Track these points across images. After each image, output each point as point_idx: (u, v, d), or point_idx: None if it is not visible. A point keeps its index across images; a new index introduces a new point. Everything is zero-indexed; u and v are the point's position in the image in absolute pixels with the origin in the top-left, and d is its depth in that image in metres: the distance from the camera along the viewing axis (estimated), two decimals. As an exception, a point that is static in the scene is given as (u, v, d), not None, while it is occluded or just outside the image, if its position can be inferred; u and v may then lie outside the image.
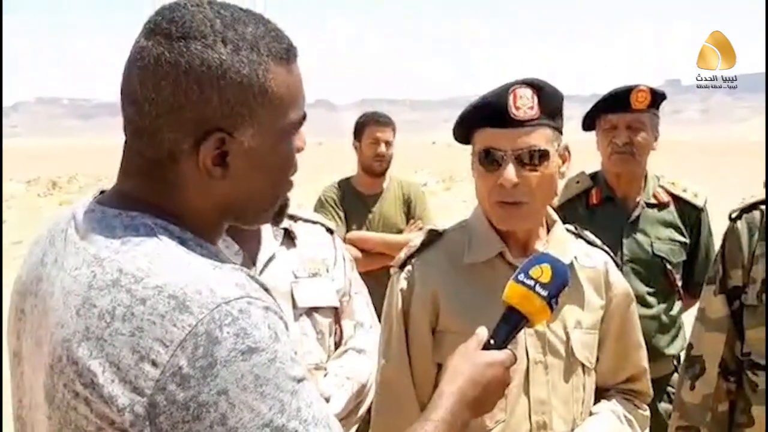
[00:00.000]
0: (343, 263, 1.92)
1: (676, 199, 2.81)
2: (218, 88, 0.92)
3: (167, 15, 0.94)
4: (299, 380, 0.89)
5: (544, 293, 1.21)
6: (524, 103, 1.52)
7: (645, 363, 1.75)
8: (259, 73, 0.94)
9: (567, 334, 1.60)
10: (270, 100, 0.95)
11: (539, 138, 1.53)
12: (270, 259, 1.77)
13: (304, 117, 1.02)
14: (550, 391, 1.58)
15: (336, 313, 1.86)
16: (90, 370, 0.86)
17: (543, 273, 1.22)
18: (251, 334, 0.85)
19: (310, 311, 1.78)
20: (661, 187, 2.82)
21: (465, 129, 1.62)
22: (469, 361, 1.16)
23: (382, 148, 3.54)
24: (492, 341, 1.20)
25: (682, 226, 2.79)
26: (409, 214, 3.61)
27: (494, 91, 1.55)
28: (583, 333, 1.63)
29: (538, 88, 1.55)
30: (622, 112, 2.70)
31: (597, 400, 1.69)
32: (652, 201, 2.79)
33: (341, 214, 3.52)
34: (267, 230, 1.79)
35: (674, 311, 2.80)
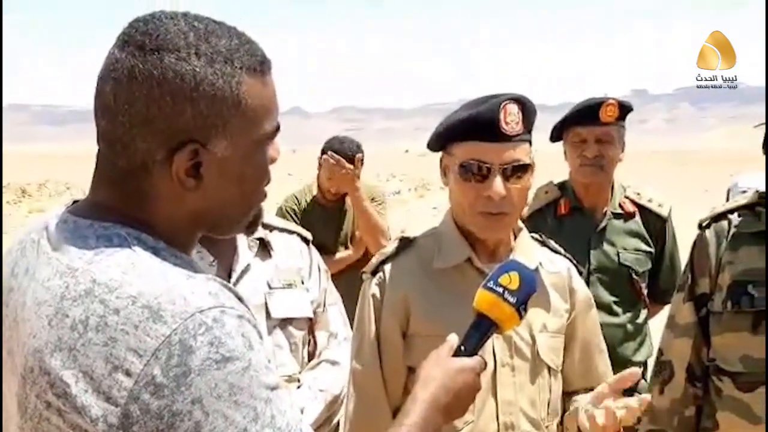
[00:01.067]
0: (318, 273, 1.92)
1: (641, 209, 2.85)
2: (191, 100, 0.92)
3: (141, 27, 0.94)
4: (273, 388, 0.89)
5: (513, 300, 1.23)
6: (512, 119, 1.57)
7: (609, 370, 1.78)
8: (232, 85, 0.94)
9: (533, 337, 1.64)
10: (243, 111, 0.96)
11: (522, 152, 1.59)
12: (245, 271, 1.76)
13: (277, 128, 1.02)
14: (517, 392, 1.62)
15: (310, 324, 1.86)
16: (63, 381, 0.86)
17: (511, 280, 1.24)
18: (225, 343, 0.86)
19: (284, 323, 1.78)
20: (627, 197, 2.86)
21: (447, 140, 1.65)
22: (440, 367, 1.18)
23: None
24: (463, 348, 1.21)
25: (647, 236, 2.83)
26: None
27: (485, 106, 1.58)
28: (549, 336, 1.67)
29: (523, 103, 1.60)
30: (591, 125, 2.72)
31: (565, 402, 1.72)
32: (619, 211, 2.83)
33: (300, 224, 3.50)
34: (242, 240, 1.78)
35: (640, 319, 2.84)
